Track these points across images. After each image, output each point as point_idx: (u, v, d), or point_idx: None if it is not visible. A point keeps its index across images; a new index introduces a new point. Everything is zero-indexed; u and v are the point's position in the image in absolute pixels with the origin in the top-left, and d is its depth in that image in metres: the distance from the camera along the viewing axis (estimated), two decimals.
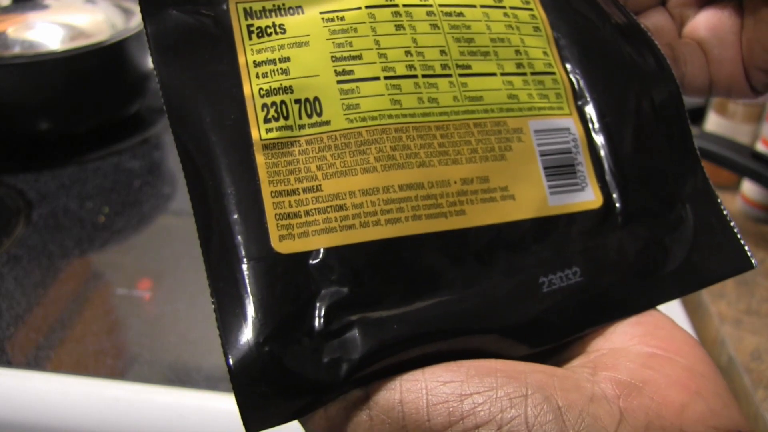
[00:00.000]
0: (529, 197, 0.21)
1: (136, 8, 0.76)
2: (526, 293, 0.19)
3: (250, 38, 0.20)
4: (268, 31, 0.20)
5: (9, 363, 0.46)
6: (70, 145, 0.72)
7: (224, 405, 0.42)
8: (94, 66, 0.70)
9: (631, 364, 0.18)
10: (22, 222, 0.60)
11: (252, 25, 0.20)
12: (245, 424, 0.17)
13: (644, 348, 0.19)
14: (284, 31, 0.20)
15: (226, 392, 0.43)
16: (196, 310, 0.51)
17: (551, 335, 0.19)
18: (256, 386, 0.17)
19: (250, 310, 0.17)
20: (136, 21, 0.74)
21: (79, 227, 0.60)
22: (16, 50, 0.67)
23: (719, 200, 0.23)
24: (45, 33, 0.68)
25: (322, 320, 0.18)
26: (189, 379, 0.44)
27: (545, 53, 0.23)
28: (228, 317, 0.17)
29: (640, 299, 0.20)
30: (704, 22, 0.26)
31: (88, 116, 0.73)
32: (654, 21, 0.27)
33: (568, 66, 0.23)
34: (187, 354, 0.47)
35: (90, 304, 0.51)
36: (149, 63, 0.76)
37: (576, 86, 0.23)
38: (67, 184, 0.66)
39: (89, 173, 0.68)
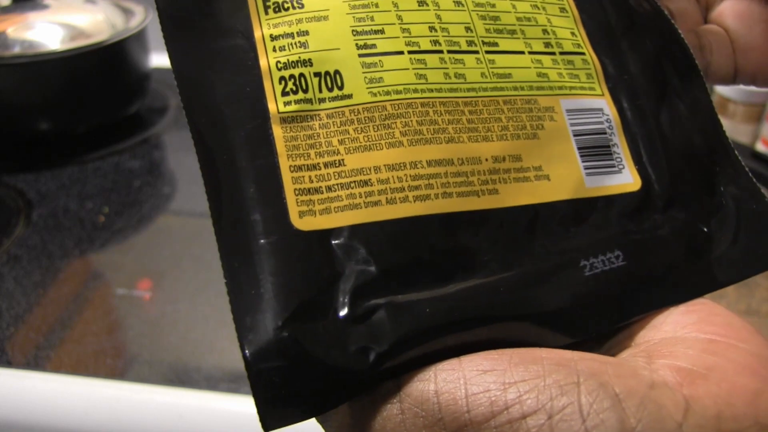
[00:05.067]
0: (565, 178, 0.20)
1: (136, 8, 0.76)
2: (568, 277, 0.18)
3: (267, 13, 0.19)
4: (285, 6, 0.19)
5: (9, 363, 0.46)
6: (70, 145, 0.72)
7: (224, 405, 0.42)
8: (94, 66, 0.70)
9: (691, 351, 0.16)
10: (22, 222, 0.60)
11: (268, 0, 0.19)
12: (263, 422, 0.15)
13: (701, 335, 0.17)
14: (302, 6, 0.19)
15: (226, 392, 0.43)
16: (196, 310, 0.51)
17: (597, 322, 0.18)
18: (275, 377, 0.15)
19: (268, 292, 0.16)
20: (136, 21, 0.74)
21: (79, 227, 0.60)
22: (16, 50, 0.67)
23: (759, 186, 0.22)
24: (45, 33, 0.68)
25: (347, 303, 0.16)
26: (189, 379, 0.44)
27: (573, 34, 0.22)
28: (243, 299, 0.16)
29: (688, 286, 0.19)
30: (731, 8, 0.25)
31: (88, 116, 0.73)
32: (678, 5, 0.26)
33: (597, 48, 0.22)
34: (187, 354, 0.47)
35: (90, 304, 0.51)
36: (149, 63, 0.76)
37: (606, 68, 0.22)
38: (67, 184, 0.66)
39: (89, 173, 0.68)
